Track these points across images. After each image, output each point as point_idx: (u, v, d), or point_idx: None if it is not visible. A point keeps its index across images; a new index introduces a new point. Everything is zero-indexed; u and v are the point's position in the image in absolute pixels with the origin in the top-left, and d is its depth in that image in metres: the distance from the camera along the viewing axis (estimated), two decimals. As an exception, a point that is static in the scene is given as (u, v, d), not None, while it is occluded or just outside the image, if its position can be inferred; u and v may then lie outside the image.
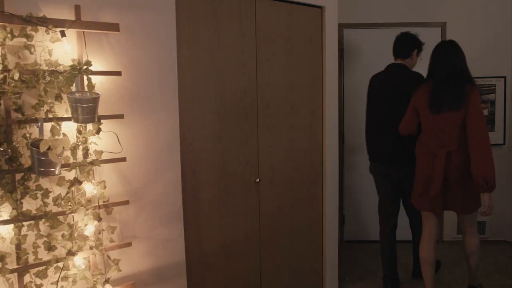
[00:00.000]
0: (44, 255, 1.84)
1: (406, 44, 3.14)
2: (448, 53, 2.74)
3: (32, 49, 1.76)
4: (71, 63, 1.83)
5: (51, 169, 1.73)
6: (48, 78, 1.76)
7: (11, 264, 1.77)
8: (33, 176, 1.79)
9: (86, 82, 1.81)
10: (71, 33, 1.86)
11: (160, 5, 2.15)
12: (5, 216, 1.74)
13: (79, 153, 1.91)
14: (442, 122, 2.67)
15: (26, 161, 1.77)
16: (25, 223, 1.78)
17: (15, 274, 1.78)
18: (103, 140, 1.98)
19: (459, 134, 2.64)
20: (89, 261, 1.96)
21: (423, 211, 2.90)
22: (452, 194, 2.71)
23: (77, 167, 1.88)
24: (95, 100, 1.81)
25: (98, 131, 1.93)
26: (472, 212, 2.80)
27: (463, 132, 2.63)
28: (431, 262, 2.90)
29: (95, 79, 1.93)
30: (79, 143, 1.90)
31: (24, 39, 1.74)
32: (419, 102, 2.80)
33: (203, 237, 2.48)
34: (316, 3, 2.90)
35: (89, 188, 1.91)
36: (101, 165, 1.97)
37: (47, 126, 1.81)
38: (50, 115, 1.80)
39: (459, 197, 2.71)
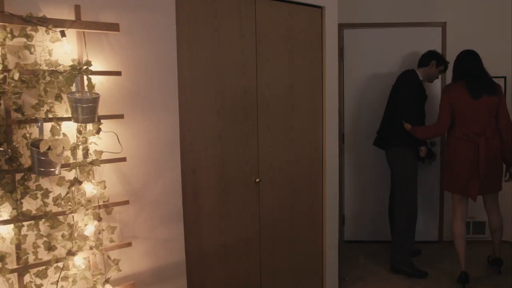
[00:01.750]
0: (44, 255, 1.84)
1: (425, 56, 3.66)
2: (474, 58, 3.27)
3: (32, 49, 1.76)
4: (71, 63, 1.83)
5: (51, 169, 1.73)
6: (48, 78, 1.76)
7: (11, 264, 1.77)
8: (33, 176, 1.79)
9: (86, 82, 1.81)
10: (71, 33, 1.86)
11: (160, 5, 2.15)
12: (5, 216, 1.74)
13: (79, 153, 1.91)
14: (482, 107, 3.13)
15: (26, 161, 1.77)
16: (25, 223, 1.78)
17: (15, 274, 1.78)
18: (103, 140, 1.98)
19: (493, 122, 3.16)
20: (89, 261, 1.96)
21: (456, 194, 3.34)
22: (485, 175, 3.14)
23: (77, 167, 1.88)
24: (95, 100, 1.81)
25: (98, 131, 1.93)
26: (499, 191, 3.32)
27: (495, 120, 3.16)
28: (465, 237, 3.34)
29: (95, 79, 1.93)
30: (79, 143, 1.90)
31: (24, 39, 1.74)
32: (454, 95, 3.21)
33: (203, 237, 2.48)
34: (316, 3, 2.90)
35: (89, 188, 1.91)
36: (101, 165, 1.97)
37: (47, 126, 1.81)
38: (50, 115, 1.80)
39: (492, 178, 3.18)
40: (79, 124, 1.84)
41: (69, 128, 1.87)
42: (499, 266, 3.54)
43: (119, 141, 2.03)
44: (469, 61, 3.28)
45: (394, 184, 3.67)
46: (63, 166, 1.83)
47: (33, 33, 1.76)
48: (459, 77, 3.28)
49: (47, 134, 1.80)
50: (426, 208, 4.30)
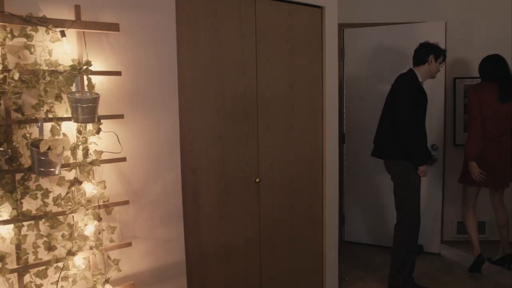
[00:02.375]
0: (44, 255, 1.84)
1: (420, 52, 3.29)
2: (505, 63, 3.51)
3: (32, 49, 1.76)
4: (71, 63, 1.83)
5: (51, 169, 1.73)
6: (48, 78, 1.76)
7: (11, 264, 1.77)
8: (33, 176, 1.79)
9: (86, 82, 1.81)
10: (71, 33, 1.86)
11: (160, 5, 2.15)
12: (5, 216, 1.74)
13: (79, 153, 1.91)
14: (506, 110, 3.40)
15: (26, 161, 1.77)
16: (25, 223, 1.78)
17: (15, 274, 1.77)
18: (103, 140, 1.98)
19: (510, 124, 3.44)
20: (89, 261, 1.96)
21: (471, 188, 3.56)
22: (500, 172, 3.45)
23: (77, 167, 1.88)
24: (95, 100, 1.81)
25: (98, 131, 1.93)
26: (508, 187, 3.56)
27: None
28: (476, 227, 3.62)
29: (95, 79, 1.93)
30: (79, 143, 1.90)
31: (24, 39, 1.74)
32: (484, 98, 3.41)
33: (203, 237, 2.48)
34: (316, 3, 2.90)
35: (89, 188, 1.91)
36: (101, 165, 1.97)
37: (47, 126, 1.81)
38: (50, 115, 1.80)
39: (506, 175, 3.46)
40: (79, 124, 1.84)
41: (69, 128, 1.87)
42: (508, 262, 3.63)
43: (119, 141, 2.03)
44: (502, 65, 3.49)
45: (396, 197, 3.28)
46: (63, 166, 1.83)
47: (33, 33, 1.76)
48: (485, 78, 3.53)
49: (47, 134, 1.80)
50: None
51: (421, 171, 3.13)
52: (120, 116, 2.02)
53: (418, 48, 3.34)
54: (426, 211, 4.31)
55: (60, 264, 1.86)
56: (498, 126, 3.42)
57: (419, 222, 3.24)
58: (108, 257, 2.02)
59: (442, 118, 4.05)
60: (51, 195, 1.85)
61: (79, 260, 1.89)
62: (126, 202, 2.06)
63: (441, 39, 4.16)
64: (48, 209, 1.83)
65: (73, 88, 1.83)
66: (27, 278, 1.81)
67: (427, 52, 3.26)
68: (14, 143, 1.74)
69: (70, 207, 1.87)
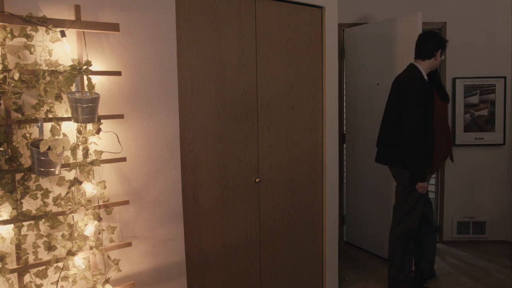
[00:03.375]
0: (44, 255, 1.84)
1: (428, 45, 3.02)
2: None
3: (32, 49, 1.76)
4: (71, 63, 1.83)
5: (51, 169, 1.73)
6: (48, 78, 1.76)
7: (11, 264, 1.77)
8: (33, 176, 1.79)
9: (86, 82, 1.81)
10: (71, 33, 1.86)
11: (160, 5, 2.16)
12: (5, 216, 1.74)
13: (79, 153, 1.91)
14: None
15: (26, 161, 1.77)
16: (25, 223, 1.78)
17: (15, 274, 1.78)
18: (103, 140, 1.98)
19: None
20: (89, 261, 1.96)
21: None
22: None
23: (77, 167, 1.88)
24: (95, 100, 1.81)
25: (98, 131, 1.93)
26: None
27: None
28: None
29: (95, 79, 1.93)
30: (79, 143, 1.90)
31: (24, 39, 1.74)
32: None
33: (203, 237, 2.48)
34: (316, 3, 2.90)
35: (89, 188, 1.91)
36: (101, 165, 1.97)
37: (47, 126, 1.81)
38: (50, 115, 1.80)
39: None
40: (79, 124, 1.84)
41: (69, 128, 1.87)
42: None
43: (119, 141, 2.03)
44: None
45: (397, 200, 3.19)
46: (63, 166, 1.83)
47: (33, 33, 1.76)
48: None
49: (47, 134, 1.80)
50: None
51: (420, 186, 2.97)
52: (120, 116, 2.02)
53: (423, 39, 3.04)
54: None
55: (60, 264, 1.87)
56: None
57: (416, 227, 3.14)
58: (108, 257, 2.02)
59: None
60: (51, 195, 1.85)
61: (79, 260, 1.89)
62: (126, 202, 2.06)
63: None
64: (48, 209, 1.83)
65: (73, 88, 1.83)
66: (27, 278, 1.81)
67: (436, 46, 3.00)
68: (14, 143, 1.74)
69: (70, 207, 1.87)
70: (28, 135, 1.78)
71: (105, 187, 1.98)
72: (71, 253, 1.87)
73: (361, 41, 4.09)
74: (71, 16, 1.86)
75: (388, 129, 3.12)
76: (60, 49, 1.83)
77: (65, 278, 1.88)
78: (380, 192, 4.18)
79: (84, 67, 1.82)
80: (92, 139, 1.94)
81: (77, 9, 1.87)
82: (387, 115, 3.15)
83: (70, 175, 1.90)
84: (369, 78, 4.12)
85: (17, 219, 1.75)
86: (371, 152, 4.10)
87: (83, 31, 1.89)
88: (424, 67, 3.05)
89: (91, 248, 1.93)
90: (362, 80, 4.15)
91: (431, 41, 3.01)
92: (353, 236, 4.35)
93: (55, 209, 1.86)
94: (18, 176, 1.77)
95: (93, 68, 1.89)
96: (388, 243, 3.27)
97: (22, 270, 1.77)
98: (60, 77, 1.79)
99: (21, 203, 1.76)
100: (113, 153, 2.01)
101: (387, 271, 3.29)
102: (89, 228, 1.91)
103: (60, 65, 1.81)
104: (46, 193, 1.83)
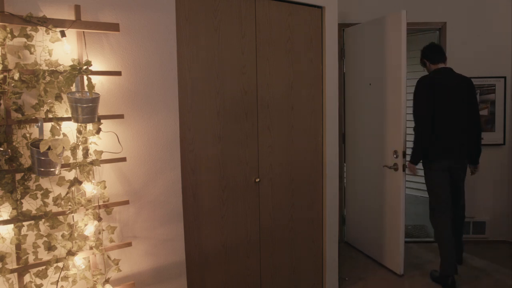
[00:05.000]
0: (44, 255, 1.84)
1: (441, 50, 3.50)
2: None
3: (32, 49, 1.76)
4: (71, 63, 1.83)
5: (51, 169, 1.73)
6: (48, 78, 1.76)
7: (11, 264, 1.77)
8: (33, 176, 1.79)
9: (86, 82, 1.81)
10: (71, 33, 1.86)
11: (160, 5, 2.16)
12: (5, 216, 1.74)
13: (79, 153, 1.91)
14: None
15: (26, 161, 1.77)
16: (25, 223, 1.78)
17: (15, 274, 1.78)
18: (103, 140, 1.98)
19: None
20: (89, 261, 1.96)
21: None
22: None
23: (77, 167, 1.88)
24: (95, 100, 1.81)
25: (98, 131, 1.93)
26: None
27: None
28: None
29: (95, 79, 1.93)
30: (79, 143, 1.90)
31: (24, 39, 1.74)
32: None
33: (203, 237, 2.48)
34: (316, 3, 2.90)
35: (89, 188, 1.91)
36: (101, 165, 1.97)
37: (47, 126, 1.81)
38: (50, 115, 1.80)
39: None
40: (79, 124, 1.84)
41: (69, 128, 1.87)
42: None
43: (119, 141, 2.03)
44: None
45: (461, 199, 3.53)
46: (63, 166, 1.83)
47: (33, 33, 1.76)
48: None
49: (47, 134, 1.80)
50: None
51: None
52: (120, 116, 2.02)
53: (439, 46, 3.54)
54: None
55: (60, 264, 1.87)
56: None
57: (445, 220, 3.33)
58: (108, 257, 2.02)
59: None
60: (51, 195, 1.85)
61: (79, 260, 1.89)
62: (126, 202, 2.06)
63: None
64: (48, 209, 1.83)
65: (73, 88, 1.83)
66: (27, 278, 1.81)
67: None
68: (14, 143, 1.74)
69: (70, 207, 1.87)
70: (28, 135, 1.78)
71: (105, 187, 1.98)
72: (71, 253, 1.87)
73: (360, 40, 4.09)
74: (71, 16, 1.86)
75: (462, 126, 3.36)
76: (60, 49, 1.83)
77: (65, 278, 1.88)
78: (380, 191, 4.17)
79: (84, 67, 1.82)
80: (92, 139, 1.94)
81: (77, 9, 1.87)
82: (457, 114, 3.34)
83: (70, 175, 1.90)
84: (369, 78, 4.13)
85: (17, 219, 1.75)
86: (371, 152, 4.11)
87: (83, 31, 1.89)
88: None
89: (91, 248, 1.93)
90: (362, 80, 4.15)
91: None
92: (352, 237, 4.35)
93: (55, 209, 1.86)
94: (18, 176, 1.77)
95: (93, 68, 1.89)
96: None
97: (22, 270, 1.77)
98: (60, 77, 1.79)
99: (21, 203, 1.76)
100: (113, 153, 2.01)
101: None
102: (89, 228, 1.91)
103: (60, 65, 1.81)
104: (46, 193, 1.83)
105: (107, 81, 2.00)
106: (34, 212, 1.80)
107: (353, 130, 4.25)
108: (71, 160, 1.88)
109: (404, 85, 3.42)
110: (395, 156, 3.54)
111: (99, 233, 1.98)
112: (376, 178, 3.89)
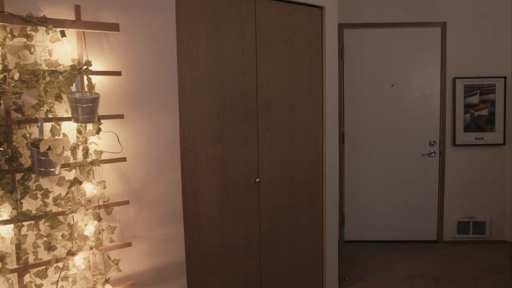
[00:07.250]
0: (44, 255, 1.84)
1: None
2: None
3: (32, 49, 1.76)
4: (71, 63, 1.83)
5: (51, 169, 1.73)
6: (48, 78, 1.76)
7: (11, 264, 1.77)
8: (33, 176, 1.79)
9: (86, 82, 1.81)
10: (71, 33, 1.86)
11: (160, 5, 2.16)
12: (5, 216, 1.74)
13: (79, 153, 1.91)
14: None
15: (26, 161, 1.77)
16: (25, 223, 1.78)
17: (15, 274, 1.78)
18: (103, 140, 1.98)
19: None
20: (89, 261, 1.96)
21: None
22: None
23: (77, 167, 1.88)
24: (95, 100, 1.81)
25: (98, 131, 1.93)
26: None
27: None
28: None
29: (95, 79, 1.93)
30: (79, 143, 1.90)
31: (24, 39, 1.74)
32: None
33: (203, 237, 2.48)
34: (316, 3, 2.90)
35: (89, 188, 1.91)
36: (101, 165, 1.97)
37: (47, 126, 1.81)
38: (50, 115, 1.80)
39: None
40: (79, 124, 1.84)
41: (69, 128, 1.87)
42: None
43: (119, 141, 2.03)
44: None
45: None
46: (63, 166, 1.83)
47: (33, 33, 1.76)
48: None
49: (47, 134, 1.80)
50: (427, 207, 4.30)
51: None
52: (120, 116, 2.02)
53: None
54: (425, 211, 4.32)
55: (60, 264, 1.86)
56: None
57: None
58: (108, 257, 2.02)
59: (438, 117, 4.06)
60: (51, 195, 1.85)
61: (79, 260, 1.89)
62: (126, 202, 2.06)
63: (439, 39, 4.19)
64: (48, 209, 1.83)
65: (73, 88, 1.83)
66: (27, 278, 1.81)
67: None
68: (14, 143, 1.74)
69: (70, 207, 1.87)
70: (28, 135, 1.78)
71: (105, 187, 1.98)
72: (71, 253, 1.87)
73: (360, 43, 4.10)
74: (71, 16, 1.86)
75: None
76: (60, 49, 1.83)
77: (65, 278, 1.88)
78: (380, 191, 4.18)
79: (84, 67, 1.82)
80: (92, 139, 1.94)
81: (77, 9, 1.87)
82: None
83: (70, 175, 1.90)
84: (369, 78, 4.13)
85: (17, 219, 1.75)
86: (371, 152, 4.11)
87: (83, 31, 1.89)
88: None
89: (91, 248, 1.93)
90: (362, 80, 4.16)
91: None
92: (352, 233, 4.35)
93: (55, 209, 1.86)
94: (18, 176, 1.77)
95: (93, 68, 1.89)
96: None
97: (22, 270, 1.77)
98: (60, 77, 1.79)
99: (21, 203, 1.76)
100: (113, 153, 2.01)
101: None
102: (89, 228, 1.91)
103: (60, 65, 1.81)
104: (46, 193, 1.83)
105: (107, 81, 2.00)
106: (34, 212, 1.80)
107: (353, 129, 4.25)
108: (71, 160, 1.88)
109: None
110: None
111: (99, 233, 1.98)
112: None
